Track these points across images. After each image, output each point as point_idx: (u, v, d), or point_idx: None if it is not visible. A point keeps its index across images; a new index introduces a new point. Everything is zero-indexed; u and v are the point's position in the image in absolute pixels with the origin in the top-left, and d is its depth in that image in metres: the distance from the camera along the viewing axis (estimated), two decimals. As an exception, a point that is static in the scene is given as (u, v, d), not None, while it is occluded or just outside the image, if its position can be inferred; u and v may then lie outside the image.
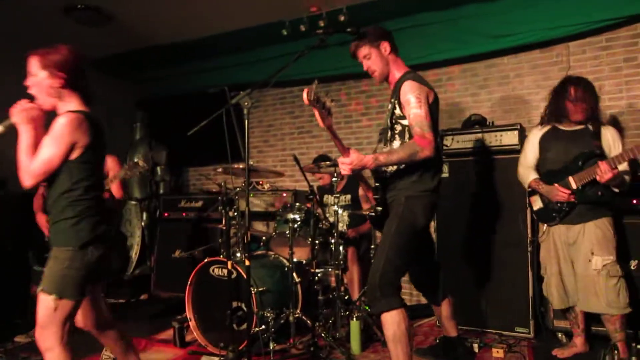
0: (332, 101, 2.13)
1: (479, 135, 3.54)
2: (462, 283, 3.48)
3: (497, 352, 3.02)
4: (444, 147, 3.65)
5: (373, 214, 2.56)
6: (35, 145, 2.00)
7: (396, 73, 2.50)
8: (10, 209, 3.65)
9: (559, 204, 2.83)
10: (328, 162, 3.33)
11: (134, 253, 5.14)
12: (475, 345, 3.13)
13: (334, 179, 3.30)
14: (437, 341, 3.08)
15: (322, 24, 3.95)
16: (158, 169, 5.55)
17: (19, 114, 2.02)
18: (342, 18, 3.89)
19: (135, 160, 3.07)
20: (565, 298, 2.91)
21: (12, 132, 2.42)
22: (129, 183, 5.30)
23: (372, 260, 3.50)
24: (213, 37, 4.66)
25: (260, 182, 4.73)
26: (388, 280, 2.29)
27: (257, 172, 3.56)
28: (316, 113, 2.11)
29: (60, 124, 1.97)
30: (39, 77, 2.05)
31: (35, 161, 1.96)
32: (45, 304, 1.93)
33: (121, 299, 4.75)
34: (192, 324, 3.29)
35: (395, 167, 2.47)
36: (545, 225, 2.96)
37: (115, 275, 4.84)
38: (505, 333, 3.35)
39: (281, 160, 5.37)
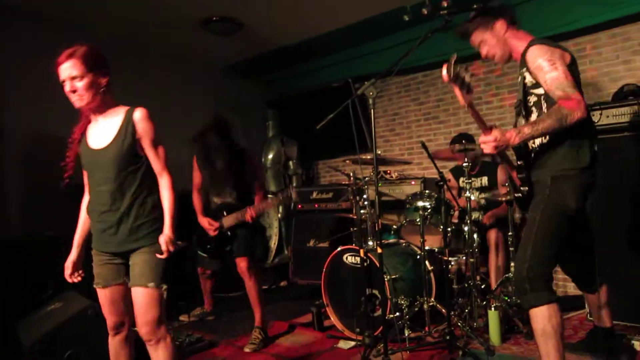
0: (472, 76, 1.98)
1: (636, 107, 3.12)
2: (619, 274, 3.10)
3: (667, 351, 2.66)
4: (591, 124, 3.28)
5: (519, 195, 2.33)
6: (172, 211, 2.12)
7: (519, 46, 2.26)
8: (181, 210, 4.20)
9: None
10: (460, 145, 3.19)
11: (273, 243, 5.53)
12: (637, 343, 2.78)
13: (464, 164, 3.18)
14: (588, 335, 2.80)
15: (445, 4, 3.80)
16: (290, 163, 5.89)
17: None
18: (466, -5, 3.70)
19: (286, 193, 3.38)
20: None
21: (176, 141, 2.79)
22: (265, 178, 5.70)
23: (511, 248, 3.33)
24: (335, 32, 4.77)
25: (389, 172, 4.74)
26: (537, 272, 2.09)
27: (385, 162, 3.59)
28: (456, 90, 1.99)
29: (149, 119, 2.07)
30: (86, 79, 1.98)
31: (164, 163, 2.12)
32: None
33: (263, 286, 5.13)
34: (328, 309, 3.45)
35: (538, 142, 2.22)
36: None
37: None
38: (676, 331, 2.93)
39: (408, 148, 5.32)
